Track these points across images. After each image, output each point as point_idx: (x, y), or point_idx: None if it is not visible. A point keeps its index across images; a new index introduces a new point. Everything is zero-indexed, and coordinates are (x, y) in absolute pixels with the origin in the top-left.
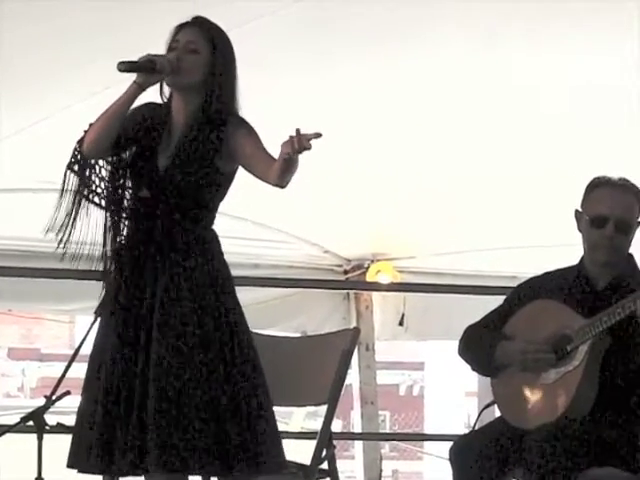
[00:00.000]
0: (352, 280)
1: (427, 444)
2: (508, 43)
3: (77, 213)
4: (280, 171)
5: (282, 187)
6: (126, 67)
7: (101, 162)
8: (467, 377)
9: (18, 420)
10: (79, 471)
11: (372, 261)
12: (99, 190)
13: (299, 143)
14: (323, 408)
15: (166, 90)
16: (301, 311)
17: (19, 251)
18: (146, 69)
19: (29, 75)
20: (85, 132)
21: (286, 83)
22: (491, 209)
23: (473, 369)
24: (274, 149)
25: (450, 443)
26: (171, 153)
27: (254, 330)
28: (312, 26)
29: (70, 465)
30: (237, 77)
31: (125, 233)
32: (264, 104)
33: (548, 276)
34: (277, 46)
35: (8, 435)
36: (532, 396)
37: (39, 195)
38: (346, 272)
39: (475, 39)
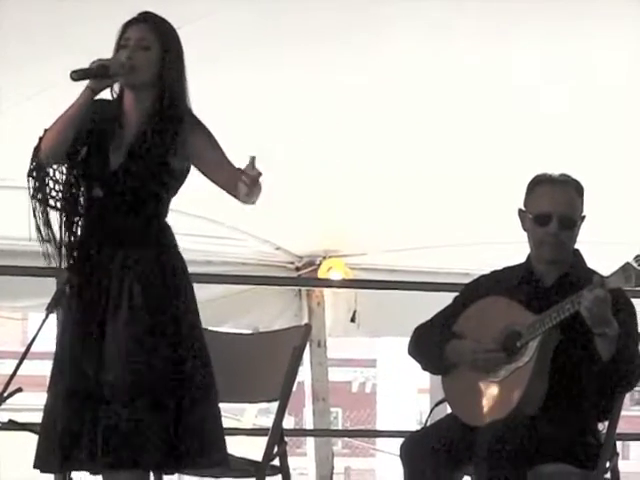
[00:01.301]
0: (304, 277)
1: (379, 441)
2: (502, 41)
3: (36, 217)
4: (246, 195)
5: (253, 204)
6: (79, 75)
7: (55, 165)
8: (419, 374)
9: None
10: (42, 471)
11: (324, 258)
12: (53, 193)
13: (250, 181)
14: (275, 405)
15: (115, 86)
16: (253, 308)
17: None
18: (99, 75)
19: None
20: (40, 138)
21: (241, 79)
22: (443, 206)
23: (424, 368)
24: (228, 147)
25: (402, 439)
26: (124, 151)
27: (206, 327)
28: (269, 21)
29: (37, 467)
30: (185, 71)
31: (79, 232)
32: (218, 100)
33: (496, 274)
34: (231, 42)
35: None
36: (482, 393)
37: None
38: (298, 269)
39: (465, 36)
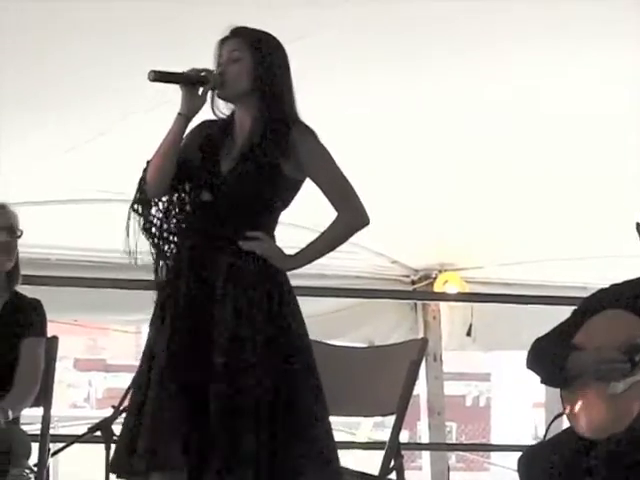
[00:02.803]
0: (419, 290)
1: (494, 455)
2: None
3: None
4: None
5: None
6: (158, 77)
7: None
8: (534, 388)
9: (86, 430)
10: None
11: (440, 271)
12: (156, 221)
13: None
14: (390, 419)
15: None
16: (368, 321)
17: (85, 261)
18: (192, 82)
19: (87, 90)
20: (144, 171)
21: (347, 93)
22: (561, 218)
23: (542, 381)
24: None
25: (517, 454)
26: (235, 156)
27: (322, 340)
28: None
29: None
30: (290, 80)
31: (187, 238)
32: (325, 114)
33: (616, 287)
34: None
35: (76, 445)
36: (601, 406)
37: (103, 206)
38: (413, 282)
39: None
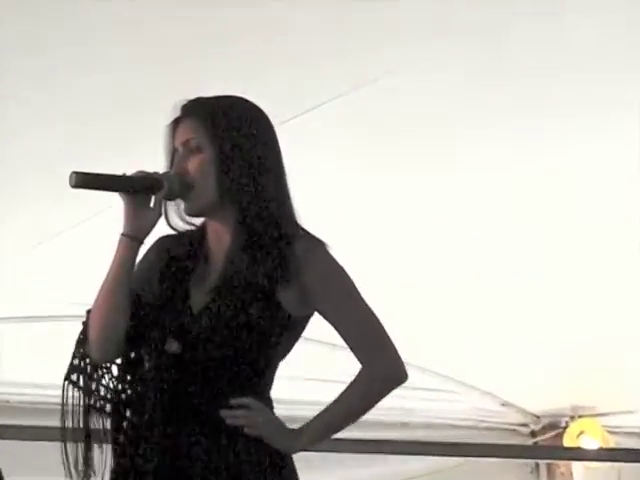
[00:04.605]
0: (543, 445)
1: None
2: None
3: (88, 430)
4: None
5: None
6: (84, 182)
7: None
8: None
9: None
10: None
11: (572, 417)
12: (108, 395)
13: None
14: None
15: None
16: None
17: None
18: (141, 188)
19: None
20: (84, 324)
21: None
22: None
23: None
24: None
25: None
26: (210, 288)
27: None
28: None
29: None
30: (279, 164)
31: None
32: None
33: None
34: None
35: None
36: None
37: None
38: (534, 433)
39: None
